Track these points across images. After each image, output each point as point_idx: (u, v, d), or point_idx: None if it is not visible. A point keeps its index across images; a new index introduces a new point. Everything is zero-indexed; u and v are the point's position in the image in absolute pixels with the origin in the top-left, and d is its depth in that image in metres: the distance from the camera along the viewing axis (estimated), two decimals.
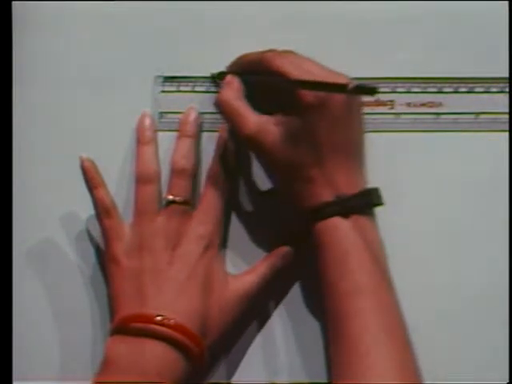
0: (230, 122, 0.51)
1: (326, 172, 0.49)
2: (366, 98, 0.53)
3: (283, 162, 0.49)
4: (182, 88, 0.55)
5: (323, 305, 0.49)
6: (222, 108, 0.51)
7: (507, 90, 0.55)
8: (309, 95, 0.48)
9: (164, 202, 0.52)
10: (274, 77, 0.49)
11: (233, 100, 0.51)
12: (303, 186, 0.50)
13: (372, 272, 0.48)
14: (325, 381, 0.52)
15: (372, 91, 0.44)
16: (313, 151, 0.49)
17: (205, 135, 0.55)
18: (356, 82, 0.45)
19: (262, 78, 0.51)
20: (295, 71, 0.48)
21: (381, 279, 0.48)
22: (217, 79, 0.54)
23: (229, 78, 0.52)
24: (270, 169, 0.52)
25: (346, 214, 0.49)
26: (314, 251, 0.50)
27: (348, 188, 0.49)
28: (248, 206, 0.55)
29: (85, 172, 0.52)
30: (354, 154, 0.50)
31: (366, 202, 0.50)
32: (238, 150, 0.54)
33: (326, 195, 0.49)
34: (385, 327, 0.47)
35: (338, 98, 0.48)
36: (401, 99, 0.55)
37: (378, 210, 0.50)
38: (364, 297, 0.47)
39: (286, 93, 0.49)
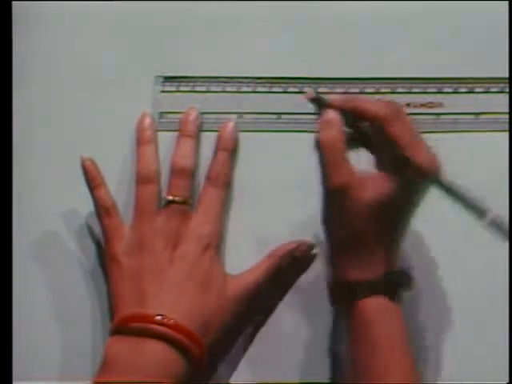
0: (325, 166, 0.48)
1: (382, 248, 0.48)
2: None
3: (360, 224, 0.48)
4: (182, 88, 0.55)
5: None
6: (324, 148, 0.48)
7: (507, 90, 0.55)
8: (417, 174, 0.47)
9: (164, 202, 0.52)
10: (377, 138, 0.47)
11: (337, 143, 0.48)
12: (359, 255, 0.48)
13: None
14: (326, 380, 0.52)
15: None
16: (387, 225, 0.48)
17: (205, 135, 0.55)
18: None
19: (364, 136, 0.49)
20: (406, 146, 0.46)
21: None
22: (313, 103, 0.49)
23: (332, 115, 0.48)
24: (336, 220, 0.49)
25: (391, 295, 0.48)
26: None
27: (390, 267, 0.49)
28: (248, 206, 0.55)
29: (86, 172, 0.52)
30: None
31: (399, 283, 0.49)
32: (237, 149, 0.54)
33: (375, 272, 0.48)
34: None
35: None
36: (401, 99, 0.55)
37: None
38: None
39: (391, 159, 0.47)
